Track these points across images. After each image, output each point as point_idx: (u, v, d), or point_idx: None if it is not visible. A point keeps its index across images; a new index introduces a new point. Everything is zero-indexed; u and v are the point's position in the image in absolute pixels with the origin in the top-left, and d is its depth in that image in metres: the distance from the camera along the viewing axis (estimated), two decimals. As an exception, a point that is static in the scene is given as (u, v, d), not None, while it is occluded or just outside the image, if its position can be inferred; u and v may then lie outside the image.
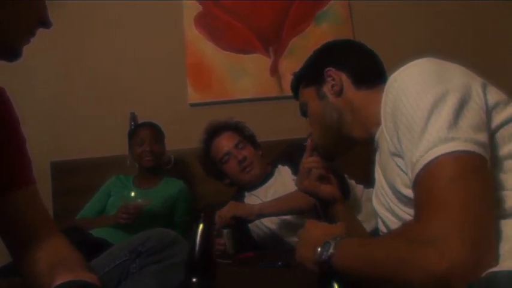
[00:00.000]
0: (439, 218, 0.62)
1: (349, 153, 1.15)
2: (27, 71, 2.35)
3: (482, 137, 0.68)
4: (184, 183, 2.26)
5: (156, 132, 2.23)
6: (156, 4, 2.65)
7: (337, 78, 1.07)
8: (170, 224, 2.11)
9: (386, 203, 0.92)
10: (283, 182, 1.86)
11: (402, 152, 0.76)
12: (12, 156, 0.86)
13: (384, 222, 0.96)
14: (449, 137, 0.66)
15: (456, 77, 0.74)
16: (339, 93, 1.06)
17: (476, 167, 0.66)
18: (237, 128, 2.05)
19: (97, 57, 2.60)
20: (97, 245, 1.56)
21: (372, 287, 0.72)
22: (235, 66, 2.65)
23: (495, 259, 0.61)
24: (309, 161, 1.25)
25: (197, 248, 0.74)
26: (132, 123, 2.43)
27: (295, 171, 1.70)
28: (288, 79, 1.24)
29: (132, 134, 2.26)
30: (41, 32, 0.80)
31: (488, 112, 0.72)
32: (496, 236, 0.64)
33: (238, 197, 1.98)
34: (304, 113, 1.19)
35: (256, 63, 2.66)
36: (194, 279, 0.73)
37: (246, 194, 1.98)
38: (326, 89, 1.08)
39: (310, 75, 1.15)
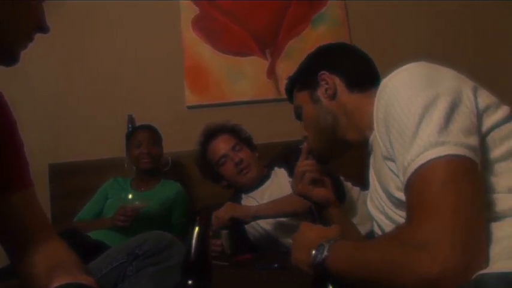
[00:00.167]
0: (431, 222, 0.63)
1: (344, 156, 1.16)
2: (24, 74, 2.34)
3: (473, 140, 0.69)
4: (182, 185, 2.26)
5: (153, 134, 2.23)
6: (153, 7, 2.65)
7: (330, 81, 1.07)
8: (167, 226, 2.11)
9: (380, 206, 0.92)
10: (279, 184, 1.87)
11: (394, 156, 0.76)
12: (9, 159, 0.86)
13: (378, 225, 0.97)
14: (440, 141, 0.67)
15: (447, 81, 0.75)
16: (333, 96, 1.07)
17: (467, 171, 0.66)
18: (233, 131, 2.05)
19: (94, 60, 2.60)
20: (94, 247, 1.56)
21: (365, 289, 0.73)
22: (232, 68, 2.65)
23: (485, 261, 0.62)
24: (303, 164, 1.25)
25: (193, 250, 0.74)
26: (130, 125, 2.44)
27: (291, 173, 1.70)
28: (285, 82, 1.25)
29: (130, 136, 2.26)
30: (37, 35, 0.81)
31: (479, 115, 0.73)
32: (486, 238, 0.65)
33: (235, 199, 1.98)
34: (298, 116, 1.19)
35: (254, 66, 2.66)
36: (190, 281, 0.73)
37: (243, 196, 1.98)
38: (320, 92, 1.09)
39: (304, 79, 1.15)
